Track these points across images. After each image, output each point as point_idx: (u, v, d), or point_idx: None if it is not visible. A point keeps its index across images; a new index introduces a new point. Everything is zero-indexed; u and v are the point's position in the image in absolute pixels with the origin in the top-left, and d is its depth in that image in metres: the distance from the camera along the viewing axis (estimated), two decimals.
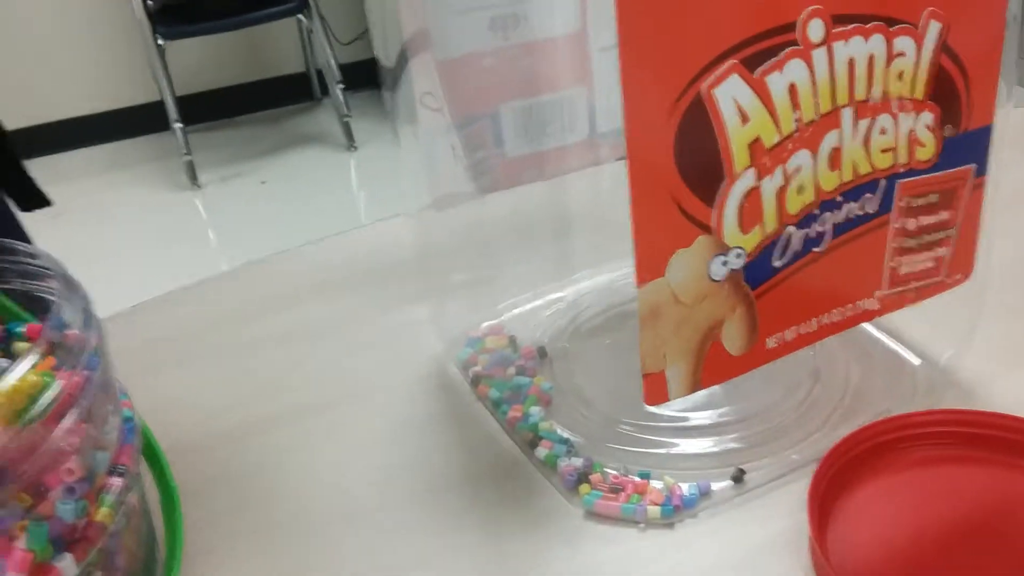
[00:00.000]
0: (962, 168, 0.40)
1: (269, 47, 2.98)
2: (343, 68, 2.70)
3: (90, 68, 2.80)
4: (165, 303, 0.62)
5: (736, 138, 0.33)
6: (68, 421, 0.27)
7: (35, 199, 0.69)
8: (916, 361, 0.49)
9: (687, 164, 0.33)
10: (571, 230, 0.57)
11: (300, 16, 2.61)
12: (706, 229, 0.35)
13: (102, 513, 0.29)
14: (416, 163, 0.52)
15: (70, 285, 0.33)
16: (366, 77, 2.82)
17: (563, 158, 0.55)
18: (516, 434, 0.47)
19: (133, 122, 2.87)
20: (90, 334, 0.32)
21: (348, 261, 0.65)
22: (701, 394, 0.47)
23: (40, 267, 0.35)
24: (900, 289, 0.41)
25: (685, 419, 0.46)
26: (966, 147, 0.39)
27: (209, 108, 2.91)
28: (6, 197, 0.66)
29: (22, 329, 0.36)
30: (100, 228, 2.39)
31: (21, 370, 0.27)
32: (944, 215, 0.40)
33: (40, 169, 0.73)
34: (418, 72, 0.47)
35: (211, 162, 2.70)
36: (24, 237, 0.63)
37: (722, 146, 0.33)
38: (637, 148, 0.32)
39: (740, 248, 0.36)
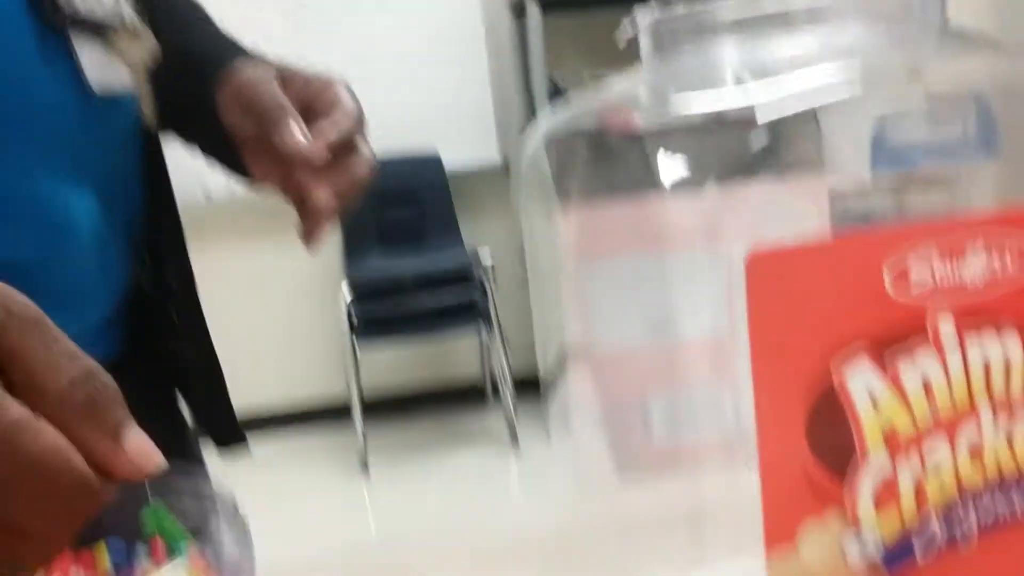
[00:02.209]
0: None
1: (450, 355, 3.20)
2: (515, 379, 2.85)
3: (295, 367, 3.10)
4: (310, 565, 0.64)
5: (869, 423, 0.34)
6: None
7: (234, 439, 0.70)
8: None
9: (819, 442, 0.34)
10: (706, 525, 0.57)
11: (482, 331, 2.82)
12: (839, 504, 0.35)
13: None
14: (566, 456, 0.55)
15: (234, 513, 0.36)
16: (532, 387, 2.95)
17: (707, 453, 0.56)
18: None
19: (321, 415, 3.09)
20: (243, 561, 0.34)
21: (494, 539, 0.66)
22: None
23: (209, 497, 0.38)
24: None
25: None
26: None
27: (389, 406, 3.10)
28: (202, 435, 0.70)
29: (184, 554, 0.39)
30: (274, 511, 2.49)
31: (171, 571, 0.30)
32: None
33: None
34: (575, 375, 0.52)
35: (383, 454, 2.82)
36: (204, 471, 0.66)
37: (855, 428, 0.34)
38: (768, 429, 0.34)
39: (877, 533, 0.35)
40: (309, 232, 0.55)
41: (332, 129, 0.54)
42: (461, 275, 2.78)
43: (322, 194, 0.53)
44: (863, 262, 0.33)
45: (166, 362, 0.65)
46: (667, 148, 0.41)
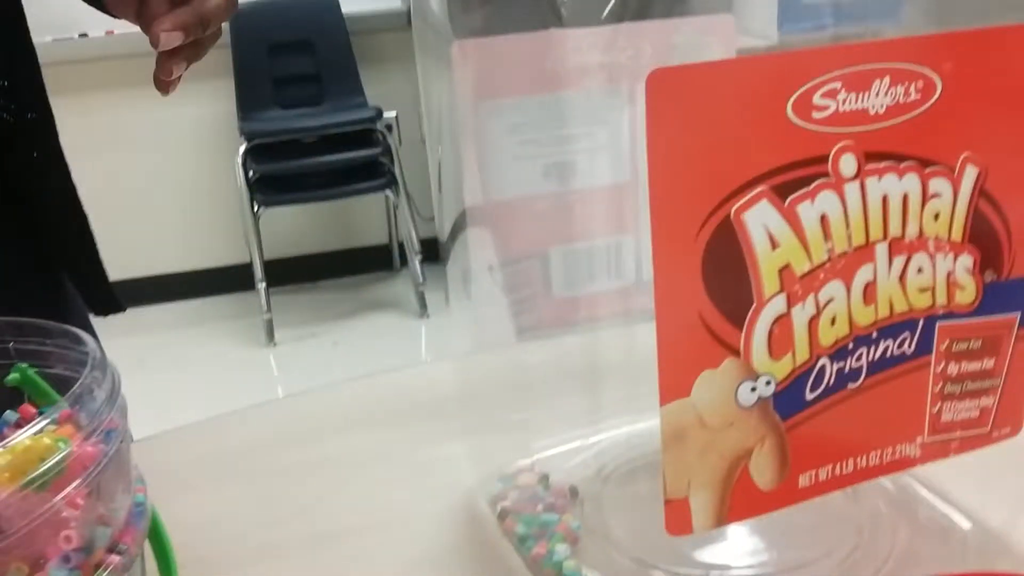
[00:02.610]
0: (1006, 316, 0.39)
1: (355, 219, 3.13)
2: (422, 242, 2.82)
3: (190, 228, 2.98)
4: (208, 427, 0.63)
5: (765, 263, 0.34)
6: (72, 489, 0.28)
7: (109, 303, 0.69)
8: (966, 524, 0.46)
9: (715, 284, 0.33)
10: (609, 378, 0.57)
11: (387, 192, 2.75)
12: (734, 352, 0.34)
13: None
14: (465, 317, 0.54)
15: (102, 367, 0.34)
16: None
17: (608, 304, 0.55)
18: (540, 572, 0.45)
19: (222, 281, 3.01)
20: (113, 413, 0.32)
21: (393, 397, 0.66)
22: (737, 542, 0.45)
23: (82, 353, 0.36)
24: (943, 437, 0.40)
25: (718, 567, 0.44)
26: (1009, 295, 0.39)
27: (293, 272, 3.04)
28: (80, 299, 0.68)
29: (56, 415, 0.37)
30: (176, 380, 2.46)
31: (32, 431, 0.28)
32: (988, 363, 0.39)
33: (126, 320, 0.76)
34: (473, 230, 0.50)
35: (289, 323, 2.79)
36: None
37: (751, 269, 0.34)
38: (664, 265, 0.33)
39: (770, 375, 0.35)
40: (156, 72, 0.52)
41: None
42: (363, 132, 2.67)
43: (162, 28, 0.50)
44: (767, 84, 0.32)
45: (27, 207, 0.61)
46: None
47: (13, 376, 0.37)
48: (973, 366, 0.39)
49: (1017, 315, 0.39)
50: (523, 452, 0.55)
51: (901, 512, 0.47)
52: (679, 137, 0.31)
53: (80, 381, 0.33)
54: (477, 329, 0.55)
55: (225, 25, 0.55)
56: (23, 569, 0.28)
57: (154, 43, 0.50)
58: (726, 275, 0.33)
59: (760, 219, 0.33)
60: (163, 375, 2.42)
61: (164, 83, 0.53)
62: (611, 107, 0.45)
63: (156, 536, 0.41)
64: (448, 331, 2.66)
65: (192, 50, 0.53)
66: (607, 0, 0.42)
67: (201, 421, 0.64)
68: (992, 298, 0.38)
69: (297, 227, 3.06)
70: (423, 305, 2.79)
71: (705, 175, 0.32)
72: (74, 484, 0.28)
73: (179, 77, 0.53)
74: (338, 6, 2.83)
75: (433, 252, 2.82)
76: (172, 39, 0.50)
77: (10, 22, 0.59)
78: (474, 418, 0.56)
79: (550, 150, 0.49)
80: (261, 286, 2.70)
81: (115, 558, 0.30)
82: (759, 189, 0.33)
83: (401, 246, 3.07)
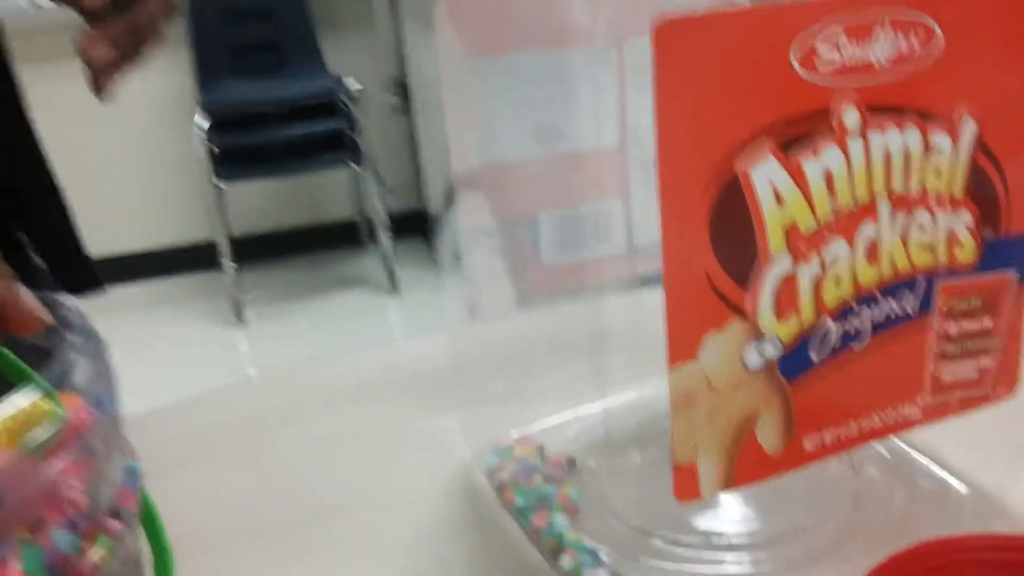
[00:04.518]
0: (1003, 274, 0.39)
1: (321, 194, 3.10)
2: (391, 217, 2.79)
3: (150, 205, 2.93)
4: (198, 404, 0.62)
5: (771, 220, 0.33)
6: (71, 453, 0.27)
7: (88, 282, 0.66)
8: (963, 488, 0.46)
9: (722, 243, 0.33)
10: (607, 346, 0.57)
11: (353, 165, 2.72)
12: (741, 313, 0.34)
13: (99, 553, 0.28)
14: (457, 287, 0.53)
15: (88, 335, 0.33)
16: (411, 226, 2.90)
17: (600, 270, 0.55)
18: (540, 543, 0.45)
19: (187, 259, 2.96)
20: (102, 378, 0.32)
21: (384, 371, 0.65)
22: (735, 510, 0.45)
23: (60, 319, 0.35)
24: (942, 398, 0.40)
25: (717, 534, 0.44)
26: (1007, 252, 0.39)
27: (260, 249, 3.00)
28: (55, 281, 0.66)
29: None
30: (145, 360, 2.42)
31: (28, 398, 0.27)
32: (987, 322, 0.39)
33: (90, 301, 0.74)
34: (464, 197, 0.49)
35: (257, 301, 2.76)
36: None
37: (757, 227, 0.33)
38: (672, 224, 0.32)
39: (776, 337, 0.35)
40: (88, 84, 0.47)
41: None
42: (325, 102, 2.63)
43: (91, 46, 0.46)
44: (773, 34, 0.31)
45: None
46: None
47: None
48: (972, 325, 0.39)
49: (1014, 273, 0.39)
50: (517, 424, 0.54)
51: (897, 477, 0.47)
52: (687, 87, 0.31)
53: (63, 351, 0.32)
54: (470, 298, 0.54)
55: None
56: (25, 536, 0.27)
57: (81, 58, 0.46)
58: (733, 234, 0.33)
59: (766, 175, 0.33)
60: (132, 356, 2.36)
61: (99, 91, 0.48)
62: (604, 65, 0.44)
63: (147, 515, 0.41)
64: (419, 307, 2.66)
65: (127, 62, 0.48)
66: None
67: (183, 401, 0.63)
68: (990, 256, 0.38)
69: (262, 202, 3.02)
70: (393, 281, 2.77)
71: (712, 128, 0.31)
72: (73, 449, 0.27)
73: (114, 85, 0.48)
74: None
75: (402, 227, 2.80)
76: (101, 54, 0.46)
77: None
78: (467, 391, 0.55)
79: (540, 111, 0.48)
80: (228, 264, 2.67)
81: (116, 523, 0.30)
82: (765, 144, 0.33)
83: (369, 221, 3.04)
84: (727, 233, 0.33)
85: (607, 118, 0.51)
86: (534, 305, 0.53)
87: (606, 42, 0.43)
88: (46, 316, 0.34)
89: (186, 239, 2.98)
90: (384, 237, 2.77)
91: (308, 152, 2.65)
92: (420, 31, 0.42)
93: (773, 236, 0.34)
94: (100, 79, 0.47)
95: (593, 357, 0.57)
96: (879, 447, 0.48)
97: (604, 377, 0.58)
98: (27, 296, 0.34)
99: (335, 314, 2.71)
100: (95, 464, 0.29)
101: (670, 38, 0.30)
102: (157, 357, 2.46)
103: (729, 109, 0.32)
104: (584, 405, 0.56)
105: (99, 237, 2.94)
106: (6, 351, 0.35)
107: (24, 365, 0.36)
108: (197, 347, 2.56)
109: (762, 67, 0.31)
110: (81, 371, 0.31)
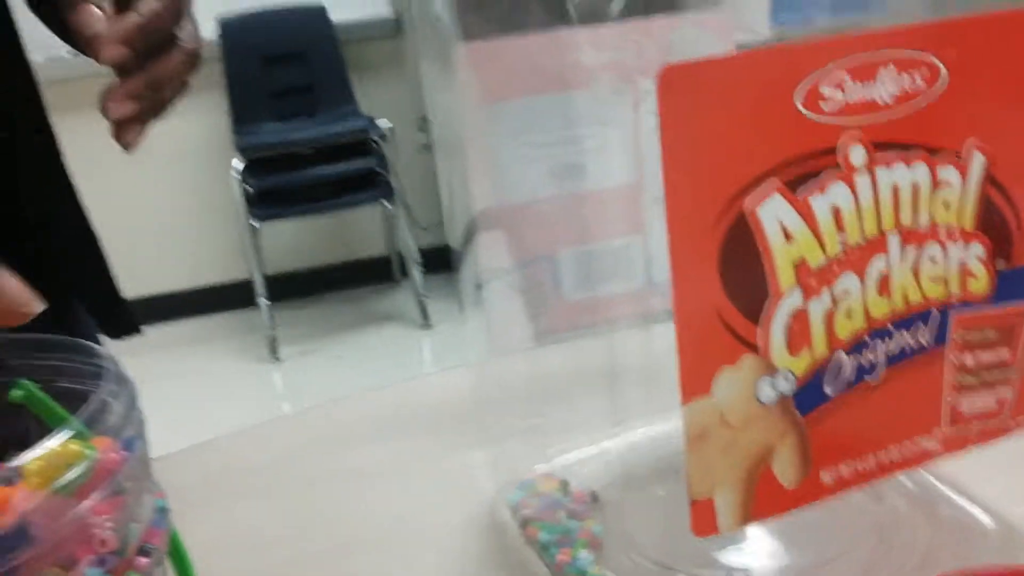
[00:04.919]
0: (1019, 305, 0.39)
1: (354, 231, 3.14)
2: (422, 252, 2.82)
3: (187, 246, 2.98)
4: (227, 442, 0.63)
5: (781, 257, 0.34)
6: (102, 492, 0.28)
7: (125, 326, 0.66)
8: (988, 519, 0.46)
9: (732, 279, 0.33)
10: (625, 381, 0.57)
11: (385, 203, 2.76)
12: (753, 348, 0.34)
13: None
14: (479, 324, 0.54)
15: (120, 380, 0.34)
16: (443, 261, 2.93)
17: (619, 306, 0.56)
18: None
19: (223, 298, 3.01)
20: (132, 421, 0.33)
21: (410, 407, 0.66)
22: (759, 543, 0.45)
23: (94, 366, 0.36)
24: (961, 429, 0.40)
25: (741, 569, 0.44)
26: (1022, 283, 0.39)
27: (294, 287, 3.04)
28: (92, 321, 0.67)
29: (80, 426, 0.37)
30: (182, 397, 2.46)
31: (60, 439, 0.28)
32: (1004, 353, 0.39)
33: (128, 340, 0.75)
34: (484, 235, 0.50)
35: (292, 338, 2.79)
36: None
37: (767, 263, 0.34)
38: (681, 262, 0.33)
39: (789, 371, 0.35)
40: (114, 135, 0.48)
41: (126, 22, 0.45)
42: (358, 142, 2.68)
43: (111, 101, 0.46)
44: (776, 77, 0.32)
45: (37, 238, 0.61)
46: None
47: (16, 393, 0.37)
48: (988, 356, 0.39)
49: None
50: (541, 458, 0.55)
51: (922, 510, 0.47)
52: (692, 132, 0.31)
53: (96, 395, 0.33)
54: (491, 335, 0.55)
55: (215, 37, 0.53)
56: (59, 573, 0.28)
57: (104, 115, 0.47)
58: (742, 271, 0.34)
59: (773, 213, 0.34)
60: (168, 394, 2.41)
61: (122, 144, 0.49)
62: (618, 106, 0.45)
63: (176, 552, 0.42)
64: (450, 341, 2.67)
65: (150, 115, 0.48)
66: None
67: (215, 438, 0.64)
68: (1005, 287, 0.39)
69: (296, 241, 3.06)
70: (425, 316, 2.79)
71: (718, 170, 0.32)
72: (104, 490, 0.28)
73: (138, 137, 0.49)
74: (327, 15, 2.84)
75: (433, 262, 2.82)
76: (122, 110, 0.46)
77: (3, 41, 0.59)
78: (490, 426, 0.56)
79: (558, 151, 0.49)
80: (263, 302, 2.71)
81: (144, 560, 0.31)
82: (771, 183, 0.33)
83: (401, 257, 3.07)
84: (737, 270, 0.33)
85: (623, 156, 0.52)
86: (553, 341, 0.54)
87: (619, 82, 0.44)
88: (34, 304, 0.33)
89: (222, 278, 3.03)
90: (416, 272, 2.80)
91: (341, 191, 2.70)
92: (440, 76, 0.44)
93: (783, 272, 0.34)
94: (122, 134, 0.48)
95: (610, 391, 0.57)
96: (903, 478, 0.48)
97: (622, 411, 0.59)
98: (11, 284, 0.33)
99: (369, 349, 2.73)
100: (125, 503, 0.30)
101: (674, 84, 0.30)
102: (194, 394, 2.50)
103: (735, 151, 0.32)
104: (605, 439, 0.57)
105: (138, 278, 3.00)
106: (43, 395, 0.36)
107: (59, 408, 0.37)
108: (233, 384, 2.59)
109: (766, 110, 0.32)
110: (112, 414, 0.32)
